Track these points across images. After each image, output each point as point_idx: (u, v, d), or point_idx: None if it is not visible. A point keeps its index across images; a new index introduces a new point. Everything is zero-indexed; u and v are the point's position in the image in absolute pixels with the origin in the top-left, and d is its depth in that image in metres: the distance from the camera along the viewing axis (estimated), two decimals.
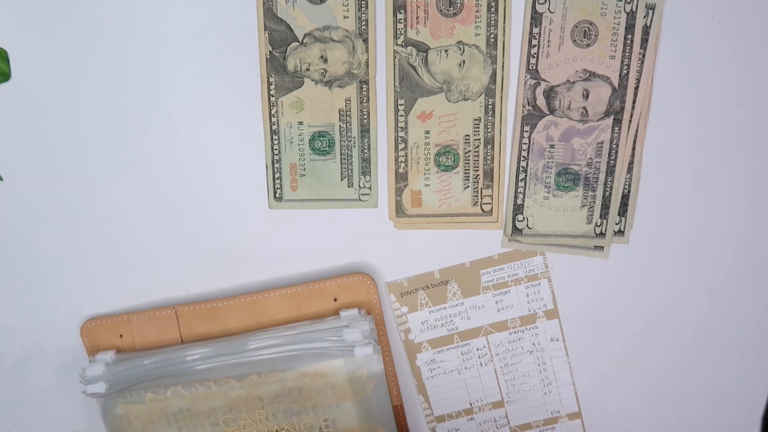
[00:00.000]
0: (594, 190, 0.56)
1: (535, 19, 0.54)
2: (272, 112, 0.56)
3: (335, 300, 0.57)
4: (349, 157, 0.57)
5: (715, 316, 0.58)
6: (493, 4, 0.54)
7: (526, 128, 0.56)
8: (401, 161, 0.57)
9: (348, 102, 0.56)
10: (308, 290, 0.57)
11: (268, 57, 0.55)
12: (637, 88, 0.54)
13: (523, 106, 0.55)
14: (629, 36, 0.54)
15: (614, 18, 0.53)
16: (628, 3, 0.53)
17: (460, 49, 0.55)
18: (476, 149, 0.56)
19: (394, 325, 0.59)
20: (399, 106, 0.56)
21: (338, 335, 0.54)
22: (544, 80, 0.55)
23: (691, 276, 0.58)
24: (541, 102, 0.55)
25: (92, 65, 0.56)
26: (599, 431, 0.60)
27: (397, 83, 0.55)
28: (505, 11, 0.54)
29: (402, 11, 0.54)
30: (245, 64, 0.55)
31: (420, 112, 0.56)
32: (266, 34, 0.55)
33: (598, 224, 0.56)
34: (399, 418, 0.59)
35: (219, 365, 0.55)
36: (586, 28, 0.54)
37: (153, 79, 0.56)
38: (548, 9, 0.54)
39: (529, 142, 0.56)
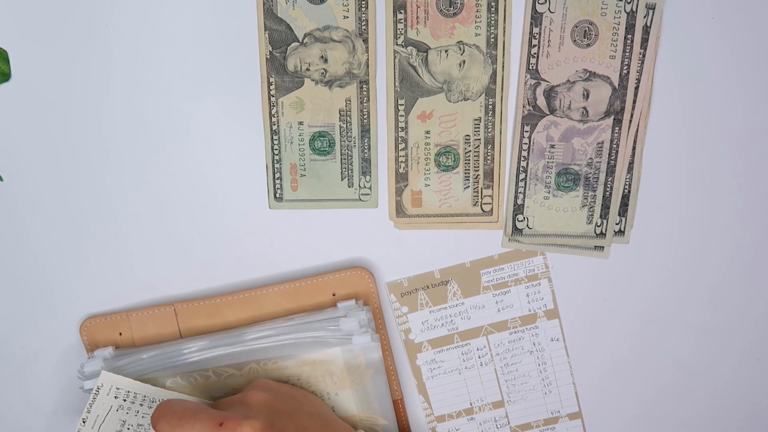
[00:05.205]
0: (594, 190, 0.56)
1: (535, 19, 0.54)
2: (272, 112, 0.56)
3: (334, 295, 0.57)
4: (350, 157, 0.57)
5: (715, 316, 0.58)
6: (493, 4, 0.54)
7: (527, 128, 0.56)
8: (401, 161, 0.57)
9: (348, 102, 0.56)
10: (306, 285, 0.57)
11: (268, 57, 0.55)
12: (637, 88, 0.54)
13: (524, 106, 0.55)
14: (629, 36, 0.54)
15: (614, 18, 0.53)
16: (628, 3, 0.53)
17: (460, 49, 0.55)
18: (476, 149, 0.56)
19: (394, 324, 0.59)
20: (399, 106, 0.56)
21: (335, 325, 0.54)
22: (545, 80, 0.55)
23: (691, 276, 0.58)
24: (541, 102, 0.55)
25: (92, 65, 0.56)
26: (599, 431, 0.60)
27: (397, 83, 0.55)
28: (505, 11, 0.54)
29: (402, 11, 0.54)
30: (245, 64, 0.55)
31: (420, 112, 0.56)
32: (266, 34, 0.55)
33: (599, 224, 0.56)
34: (399, 412, 0.59)
35: (217, 355, 0.55)
36: (587, 28, 0.54)
37: (153, 79, 0.56)
38: (548, 9, 0.54)
39: (530, 142, 0.56)
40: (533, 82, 0.55)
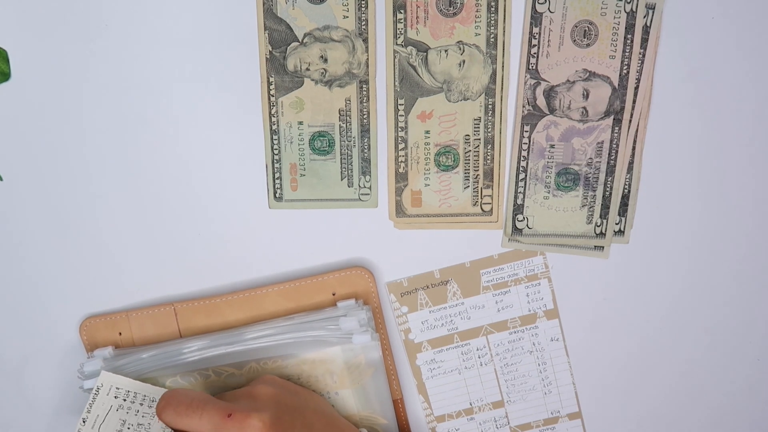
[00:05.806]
0: (594, 190, 0.56)
1: (535, 18, 0.54)
2: (272, 112, 0.56)
3: (333, 294, 0.57)
4: (349, 157, 0.57)
5: (715, 315, 0.58)
6: (493, 3, 0.54)
7: (526, 128, 0.56)
8: (401, 161, 0.57)
9: (348, 102, 0.56)
10: (306, 285, 0.57)
11: (268, 57, 0.55)
12: (637, 87, 0.54)
13: (523, 106, 0.55)
14: (629, 36, 0.54)
15: (614, 18, 0.53)
16: (628, 3, 0.53)
17: (460, 49, 0.55)
18: (476, 149, 0.56)
19: (394, 324, 0.59)
20: (399, 106, 0.56)
21: (335, 324, 0.54)
22: (544, 80, 0.55)
23: (691, 276, 0.58)
24: (541, 102, 0.55)
25: (92, 65, 0.56)
26: (599, 431, 0.60)
27: (397, 83, 0.55)
28: (505, 11, 0.54)
29: (402, 11, 0.54)
30: (245, 64, 0.55)
31: (420, 112, 0.56)
32: (266, 34, 0.55)
33: (598, 224, 0.56)
34: (399, 412, 0.59)
35: (217, 354, 0.55)
36: (586, 28, 0.54)
37: (153, 79, 0.56)
38: (548, 9, 0.54)
39: (529, 141, 0.56)
40: (533, 81, 0.55)
